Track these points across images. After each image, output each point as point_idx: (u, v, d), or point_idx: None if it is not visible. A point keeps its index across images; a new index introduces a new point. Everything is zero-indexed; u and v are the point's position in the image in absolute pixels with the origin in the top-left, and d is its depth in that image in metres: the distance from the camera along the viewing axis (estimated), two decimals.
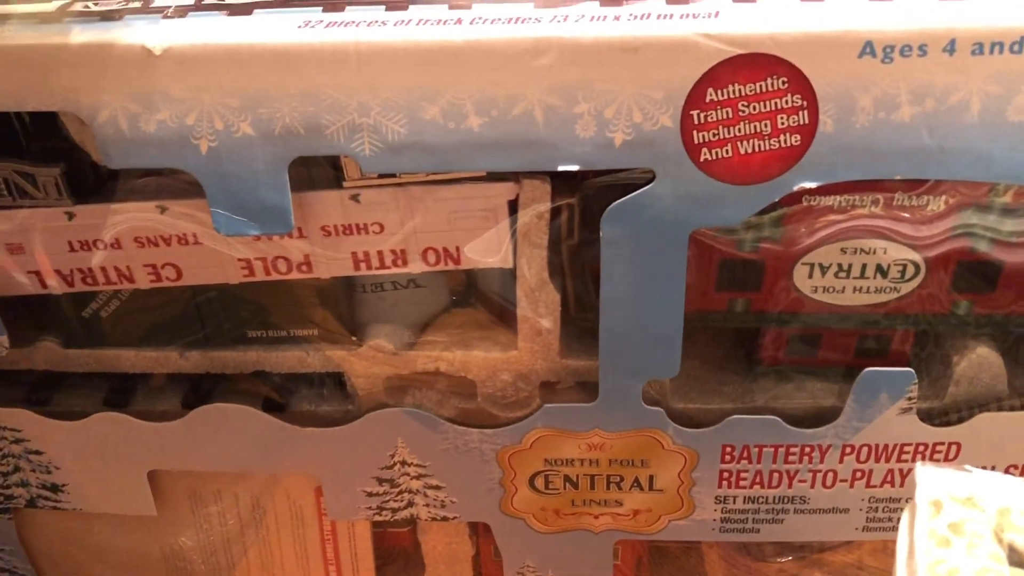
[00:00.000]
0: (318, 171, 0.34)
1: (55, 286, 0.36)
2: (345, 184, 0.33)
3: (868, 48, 0.29)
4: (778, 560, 0.46)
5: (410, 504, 0.40)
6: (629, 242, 0.32)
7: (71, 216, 0.34)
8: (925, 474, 0.26)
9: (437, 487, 0.39)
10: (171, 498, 0.42)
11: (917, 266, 0.35)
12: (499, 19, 0.30)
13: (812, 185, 0.31)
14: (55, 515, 0.43)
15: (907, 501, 0.38)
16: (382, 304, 0.38)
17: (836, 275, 0.35)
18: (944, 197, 0.33)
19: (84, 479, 0.41)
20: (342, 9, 0.31)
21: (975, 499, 0.25)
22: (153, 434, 0.39)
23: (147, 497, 0.41)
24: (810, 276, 0.35)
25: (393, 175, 0.33)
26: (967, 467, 0.26)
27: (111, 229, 0.35)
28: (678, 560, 0.48)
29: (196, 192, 0.33)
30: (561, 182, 0.34)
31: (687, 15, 0.29)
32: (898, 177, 0.31)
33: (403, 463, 0.39)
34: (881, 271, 0.35)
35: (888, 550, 0.46)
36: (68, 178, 0.34)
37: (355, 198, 0.34)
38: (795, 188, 0.31)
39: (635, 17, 0.29)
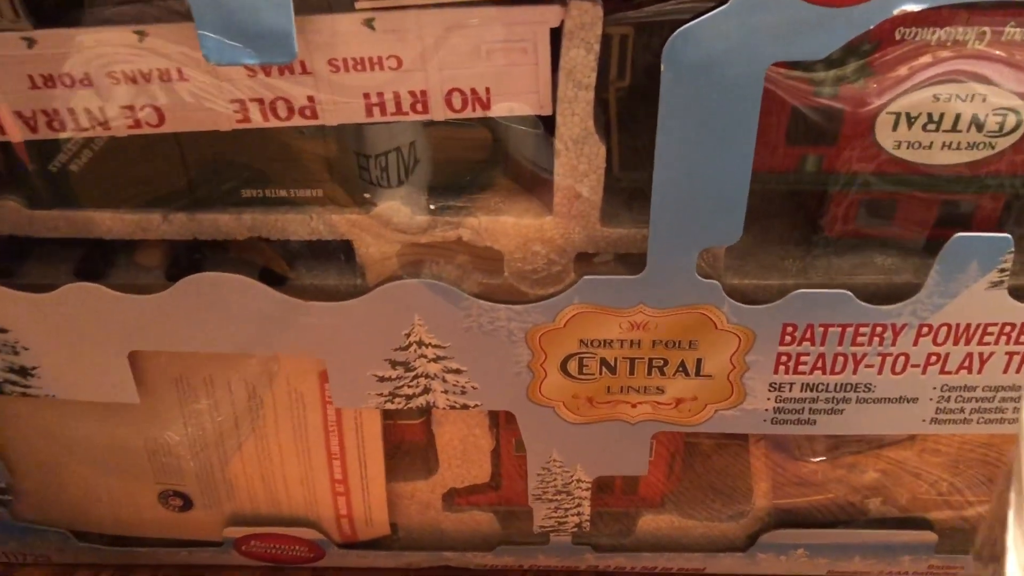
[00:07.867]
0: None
1: (15, 132, 0.31)
2: (357, 5, 0.28)
3: None
4: (817, 460, 0.43)
5: (426, 390, 0.36)
6: (694, 80, 0.28)
7: (31, 43, 0.29)
8: None
9: (457, 371, 0.35)
10: (156, 386, 0.38)
11: (1019, 117, 0.30)
12: None
13: (915, 8, 0.26)
14: (27, 406, 0.39)
15: (983, 389, 0.35)
16: None
17: (924, 127, 0.30)
18: None
19: (57, 361, 0.36)
20: None
21: None
22: (133, 309, 0.34)
23: (128, 382, 0.36)
24: (894, 128, 0.30)
25: None
26: None
27: (79, 61, 0.29)
28: (710, 459, 0.44)
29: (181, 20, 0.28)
30: (611, 10, 0.29)
31: None
32: None
33: (420, 343, 0.34)
34: (977, 123, 0.30)
35: (933, 450, 0.42)
36: None
37: (369, 23, 0.28)
38: (895, 11, 0.26)
39: None
